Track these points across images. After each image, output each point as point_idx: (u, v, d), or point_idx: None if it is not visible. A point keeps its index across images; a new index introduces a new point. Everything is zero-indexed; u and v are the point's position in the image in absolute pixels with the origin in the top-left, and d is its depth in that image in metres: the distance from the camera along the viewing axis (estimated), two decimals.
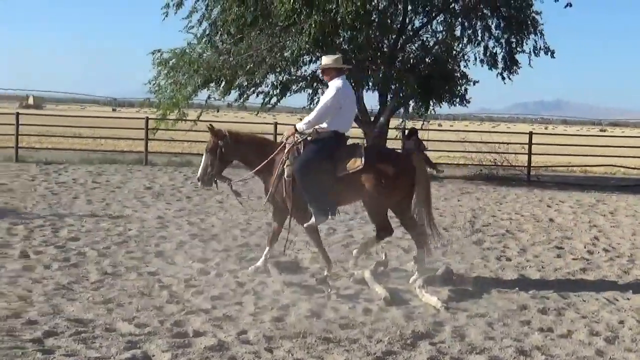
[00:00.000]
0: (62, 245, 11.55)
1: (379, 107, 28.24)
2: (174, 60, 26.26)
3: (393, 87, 27.30)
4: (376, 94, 28.38)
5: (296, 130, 10.47)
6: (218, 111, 29.76)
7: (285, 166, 10.22)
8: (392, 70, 26.76)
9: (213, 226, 14.07)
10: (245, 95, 27.41)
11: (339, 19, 23.76)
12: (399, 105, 28.33)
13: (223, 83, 26.27)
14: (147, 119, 27.63)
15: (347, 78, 10.95)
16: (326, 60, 10.80)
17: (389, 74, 26.63)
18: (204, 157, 10.60)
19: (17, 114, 27.95)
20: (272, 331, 7.66)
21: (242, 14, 25.02)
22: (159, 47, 26.47)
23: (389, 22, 27.14)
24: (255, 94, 27.51)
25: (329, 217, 10.31)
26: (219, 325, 7.82)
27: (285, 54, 25.42)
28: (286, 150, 10.36)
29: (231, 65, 25.07)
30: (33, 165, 24.32)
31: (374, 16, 26.31)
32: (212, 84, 26.37)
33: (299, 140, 10.42)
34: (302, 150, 10.28)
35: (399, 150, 11.26)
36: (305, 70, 28.04)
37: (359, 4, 22.93)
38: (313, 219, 10.29)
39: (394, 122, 29.70)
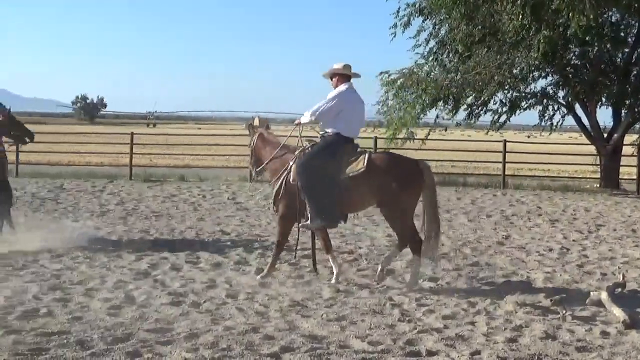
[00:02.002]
0: (295, 262, 11.81)
1: (612, 122, 27.33)
2: (401, 80, 26.43)
3: (628, 102, 26.34)
4: (609, 109, 27.48)
5: (300, 123, 10.95)
6: (446, 130, 29.73)
7: (291, 169, 10.45)
8: (626, 85, 25.85)
9: (443, 245, 13.98)
10: (473, 114, 27.24)
11: (569, 34, 23.24)
12: (634, 121, 27.29)
13: (451, 101, 26.23)
14: (376, 138, 27.92)
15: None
16: (336, 66, 10.81)
17: (623, 88, 25.72)
18: None
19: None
20: (505, 352, 7.50)
21: (470, 31, 24.96)
22: (384, 68, 26.67)
23: (623, 34, 26.22)
24: (483, 112, 27.30)
25: (330, 222, 10.51)
26: (452, 344, 7.74)
27: (514, 71, 25.12)
28: (295, 154, 10.65)
29: (459, 84, 25.03)
30: (266, 184, 24.98)
31: (606, 29, 25.49)
32: (440, 103, 26.38)
33: (307, 146, 10.63)
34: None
35: (408, 156, 10.74)
36: (535, 87, 27.58)
37: (590, 17, 22.26)
38: (308, 221, 10.35)
39: (629, 139, 28.63)
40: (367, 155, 10.29)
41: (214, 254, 12.25)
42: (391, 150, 27.85)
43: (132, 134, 28.50)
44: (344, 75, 10.78)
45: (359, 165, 10.18)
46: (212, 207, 18.91)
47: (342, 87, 10.66)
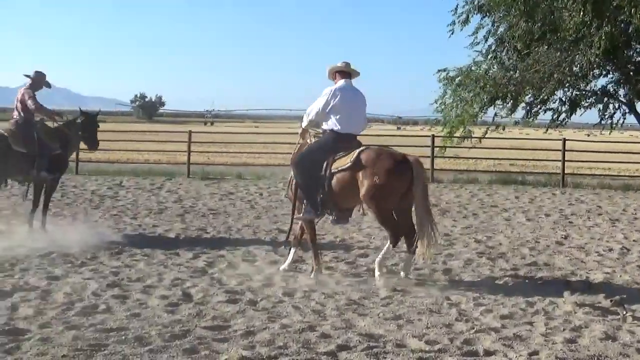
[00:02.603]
0: (352, 261, 11.80)
1: None
2: (459, 77, 26.30)
3: None
4: None
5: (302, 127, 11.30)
6: (504, 128, 29.49)
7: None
8: None
9: (500, 244, 13.89)
10: (532, 112, 27.01)
11: (631, 30, 22.92)
12: None
13: (509, 100, 26.03)
14: (433, 136, 27.81)
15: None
16: (339, 64, 10.88)
17: None
18: None
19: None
20: (564, 353, 7.41)
21: (530, 29, 24.74)
22: (444, 66, 26.62)
23: None
24: (543, 111, 27.05)
25: (315, 215, 10.69)
26: (510, 344, 7.66)
27: (574, 69, 24.83)
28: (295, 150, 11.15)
29: (517, 82, 24.82)
30: None
31: None
32: (499, 101, 26.19)
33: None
34: None
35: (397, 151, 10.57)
36: (595, 85, 27.24)
37: None
38: (303, 214, 10.71)
39: None
40: (358, 151, 10.30)
41: (271, 252, 12.28)
42: (448, 149, 27.84)
43: (190, 132, 28.71)
44: (342, 73, 10.84)
45: (347, 160, 10.24)
46: (268, 205, 18.98)
47: (338, 84, 10.77)
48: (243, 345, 7.31)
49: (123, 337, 7.45)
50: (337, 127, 10.56)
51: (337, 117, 10.55)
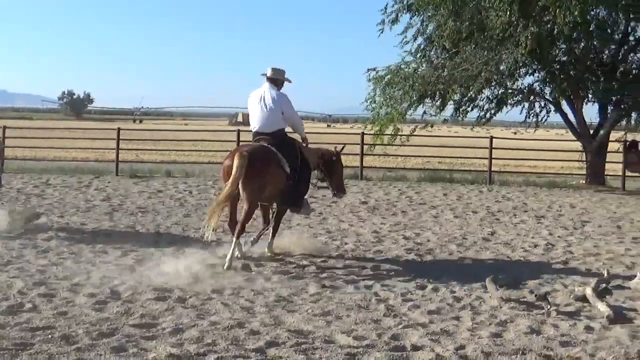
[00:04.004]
0: (281, 258, 11.82)
1: (598, 119, 27.43)
2: (389, 76, 26.47)
3: (614, 98, 26.42)
4: (596, 106, 27.57)
5: None
6: (432, 126, 29.77)
7: None
8: (613, 82, 25.92)
9: (429, 241, 14.04)
10: (460, 110, 27.30)
11: (556, 30, 23.29)
12: (621, 118, 27.40)
13: (438, 98, 26.28)
14: (363, 134, 27.97)
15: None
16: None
17: (610, 85, 25.79)
18: None
19: (238, 131, 28.86)
20: (490, 347, 7.52)
21: (458, 28, 25.00)
22: (374, 64, 26.89)
23: (609, 31, 26.25)
24: (470, 109, 27.35)
25: None
26: (437, 339, 7.76)
27: (501, 67, 25.16)
28: None
29: (446, 80, 25.06)
30: None
31: (593, 26, 25.53)
32: (427, 99, 26.42)
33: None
34: None
35: (253, 144, 11.35)
36: (521, 83, 27.64)
37: (576, 13, 22.36)
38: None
39: (615, 135, 28.77)
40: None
41: (200, 250, 12.23)
42: (377, 147, 28.03)
43: (119, 129, 28.45)
44: (267, 78, 11.86)
45: None
46: (198, 203, 18.90)
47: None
48: (171, 343, 7.29)
49: (49, 336, 7.36)
50: (251, 127, 11.86)
51: (251, 118, 11.81)
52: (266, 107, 11.57)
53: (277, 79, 11.78)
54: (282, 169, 11.37)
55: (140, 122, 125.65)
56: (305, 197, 12.24)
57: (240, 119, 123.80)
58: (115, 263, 11.13)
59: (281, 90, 11.78)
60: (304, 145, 12.23)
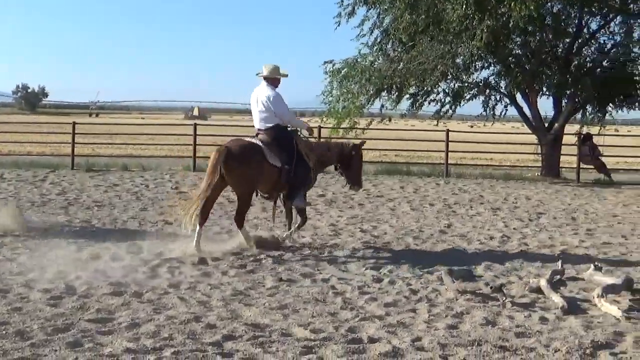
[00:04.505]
0: (238, 252, 11.79)
1: (553, 112, 27.69)
2: (345, 69, 26.49)
3: (568, 92, 26.68)
4: (551, 99, 27.82)
5: None
6: (390, 120, 29.85)
7: None
8: (567, 75, 26.19)
9: (385, 233, 14.09)
10: (417, 104, 27.38)
11: (512, 24, 23.44)
12: (575, 111, 27.69)
13: (394, 91, 26.32)
14: (320, 128, 27.98)
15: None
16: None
17: (564, 78, 26.04)
18: None
19: (195, 125, 28.78)
20: (446, 338, 7.57)
21: (414, 21, 25.07)
22: (331, 57, 26.89)
23: (563, 25, 26.53)
24: (427, 102, 27.45)
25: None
26: (393, 331, 7.80)
27: (457, 61, 25.30)
28: None
29: (402, 73, 25.12)
30: None
31: (548, 20, 25.80)
32: (384, 93, 26.46)
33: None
34: None
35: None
36: (477, 77, 27.80)
37: (532, 7, 22.54)
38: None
39: (570, 128, 29.05)
40: None
41: (157, 244, 12.17)
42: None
43: (74, 123, 28.20)
44: (265, 78, 12.33)
45: None
46: (155, 197, 18.80)
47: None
48: (128, 338, 7.25)
49: (4, 332, 7.29)
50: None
51: (253, 115, 12.46)
52: (259, 106, 12.19)
53: (271, 78, 12.28)
54: (268, 162, 11.83)
55: (97, 116, 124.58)
56: (304, 190, 12.52)
57: (195, 113, 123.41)
58: (70, 258, 11.01)
59: (277, 86, 12.35)
60: (306, 139, 12.90)
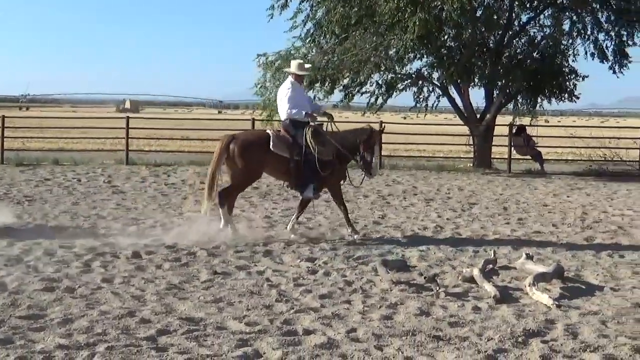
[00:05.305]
0: (172, 245, 11.73)
1: (485, 104, 27.98)
2: (279, 62, 26.45)
3: (500, 83, 27.03)
4: (482, 90, 28.12)
5: None
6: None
7: None
8: (498, 67, 26.54)
9: (320, 225, 14.13)
10: (350, 95, 27.43)
11: (444, 16, 23.63)
12: (506, 102, 28.05)
13: (328, 83, 26.34)
14: (253, 120, 27.93)
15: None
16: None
17: (495, 70, 26.36)
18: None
19: (128, 118, 28.51)
20: (381, 329, 7.63)
21: (347, 13, 25.12)
22: (265, 49, 26.80)
23: (495, 17, 26.85)
24: (360, 94, 27.52)
25: None
26: (329, 323, 7.82)
27: (390, 53, 25.42)
28: None
29: (335, 65, 25.15)
30: (143, 167, 24.74)
31: (479, 12, 26.11)
32: (317, 84, 26.47)
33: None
34: None
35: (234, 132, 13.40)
36: (410, 69, 27.95)
37: (464, 0, 22.70)
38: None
39: (501, 119, 29.41)
40: None
41: (89, 238, 12.05)
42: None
43: (3, 117, 27.72)
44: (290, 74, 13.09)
45: None
46: (87, 191, 18.60)
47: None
48: (60, 334, 7.17)
49: None
50: None
51: None
52: (278, 99, 13.05)
53: (292, 73, 13.03)
54: (273, 153, 12.42)
55: (27, 109, 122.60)
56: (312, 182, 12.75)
57: (127, 105, 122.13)
58: (0, 253, 10.84)
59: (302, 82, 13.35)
60: (322, 127, 13.16)
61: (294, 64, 13.17)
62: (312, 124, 12.80)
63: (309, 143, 12.44)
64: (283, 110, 12.80)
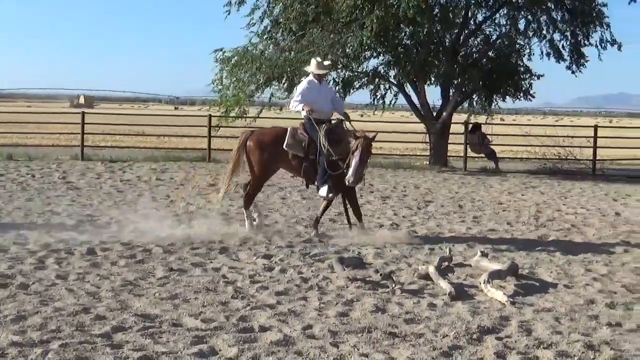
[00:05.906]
0: (127, 242, 11.65)
1: (441, 101, 28.12)
2: (236, 58, 26.40)
3: (456, 82, 27.17)
4: (439, 88, 28.25)
5: None
6: (281, 109, 29.91)
7: None
8: (454, 65, 26.68)
9: (276, 222, 14.13)
10: None
11: (401, 14, 23.69)
12: (462, 100, 28.22)
13: (285, 80, 26.34)
14: (210, 116, 27.86)
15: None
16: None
17: (451, 68, 26.50)
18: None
19: (83, 113, 28.29)
20: (337, 326, 7.65)
21: (304, 10, 25.13)
22: (222, 45, 26.71)
23: (451, 16, 26.99)
24: None
25: None
26: (284, 320, 7.83)
27: (347, 50, 25.44)
28: None
29: (293, 63, 25.14)
30: (98, 163, 24.56)
31: (436, 10, 26.24)
32: (275, 82, 26.46)
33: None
34: None
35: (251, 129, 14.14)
36: (367, 66, 28.00)
37: None
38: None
39: (457, 117, 29.58)
40: None
41: (43, 235, 11.94)
42: (226, 129, 27.97)
43: None
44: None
45: None
46: (41, 187, 18.41)
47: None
48: (13, 331, 7.11)
49: None
50: None
51: None
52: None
53: (312, 72, 13.03)
54: (287, 152, 12.65)
55: None
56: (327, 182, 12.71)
57: (82, 101, 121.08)
58: None
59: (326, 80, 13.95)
60: (326, 126, 12.83)
61: (313, 62, 13.12)
62: (328, 123, 12.94)
63: (322, 143, 12.42)
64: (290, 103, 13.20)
